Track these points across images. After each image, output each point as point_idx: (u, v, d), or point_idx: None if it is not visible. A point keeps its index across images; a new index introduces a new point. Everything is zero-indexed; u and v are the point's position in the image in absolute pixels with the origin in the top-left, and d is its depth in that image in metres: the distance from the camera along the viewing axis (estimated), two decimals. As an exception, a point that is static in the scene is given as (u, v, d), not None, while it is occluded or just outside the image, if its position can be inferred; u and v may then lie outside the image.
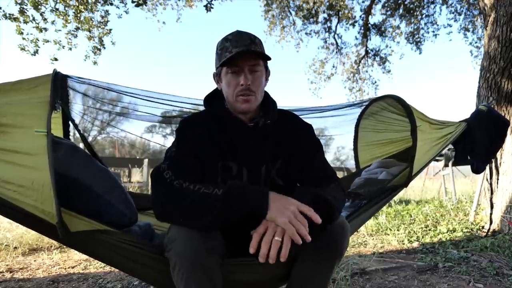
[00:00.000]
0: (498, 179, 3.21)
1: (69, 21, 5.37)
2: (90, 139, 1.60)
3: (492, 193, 2.57)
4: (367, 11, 8.11)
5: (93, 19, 5.57)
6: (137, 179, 7.39)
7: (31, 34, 5.16)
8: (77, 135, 1.62)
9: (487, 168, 3.15)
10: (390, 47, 8.74)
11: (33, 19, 5.06)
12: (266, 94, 1.16)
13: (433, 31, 8.07)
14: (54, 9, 5.14)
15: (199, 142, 1.06)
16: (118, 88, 1.58)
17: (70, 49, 5.65)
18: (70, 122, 1.56)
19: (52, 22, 5.32)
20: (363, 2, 7.98)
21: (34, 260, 2.56)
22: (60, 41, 5.52)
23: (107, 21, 5.65)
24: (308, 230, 0.85)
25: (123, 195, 1.29)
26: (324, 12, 8.22)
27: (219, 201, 0.86)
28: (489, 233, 2.98)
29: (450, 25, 7.98)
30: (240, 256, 1.03)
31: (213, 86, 1.18)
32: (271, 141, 1.12)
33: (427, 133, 1.78)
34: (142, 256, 1.06)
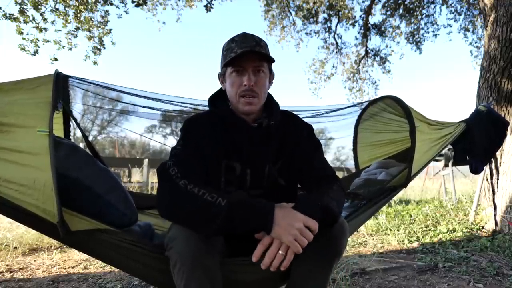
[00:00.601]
0: (498, 179, 3.21)
1: (69, 21, 5.38)
2: (90, 138, 1.61)
3: (494, 193, 2.56)
4: (367, 11, 8.12)
5: (93, 19, 5.58)
6: (137, 179, 7.39)
7: (31, 34, 5.18)
8: (77, 135, 1.62)
9: (487, 168, 3.16)
10: (390, 47, 8.77)
11: (33, 19, 5.07)
12: (270, 96, 1.18)
13: (433, 31, 8.10)
14: (54, 9, 5.14)
15: (204, 142, 1.07)
16: (118, 89, 1.58)
17: (70, 49, 5.66)
18: (70, 122, 1.56)
19: (52, 22, 5.34)
20: (363, 2, 8.00)
21: (34, 260, 2.57)
22: (60, 41, 5.53)
23: (107, 21, 5.66)
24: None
25: (123, 194, 1.29)
26: (324, 12, 8.23)
27: (222, 211, 0.86)
28: (494, 234, 2.97)
29: (450, 25, 8.01)
30: (240, 255, 1.03)
31: (213, 86, 1.19)
32: (274, 142, 1.13)
33: (426, 133, 1.79)
34: (143, 256, 1.06)
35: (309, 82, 9.45)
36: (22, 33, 5.09)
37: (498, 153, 3.25)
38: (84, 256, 2.58)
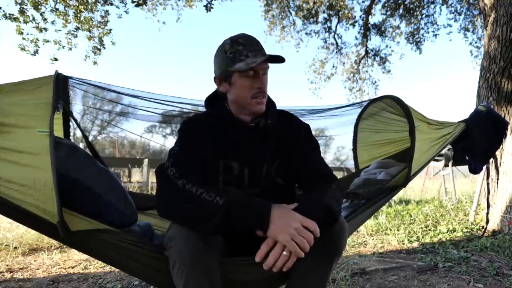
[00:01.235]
0: (498, 179, 3.21)
1: (69, 21, 5.38)
2: (90, 139, 1.61)
3: (489, 192, 2.56)
4: (367, 11, 8.12)
5: (93, 19, 5.58)
6: (137, 179, 7.40)
7: (31, 34, 5.18)
8: (77, 135, 1.63)
9: (486, 167, 3.15)
10: (390, 47, 8.77)
11: (33, 19, 5.07)
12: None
13: (433, 31, 8.10)
14: (54, 9, 5.14)
15: (201, 142, 1.07)
16: (118, 89, 1.58)
17: (70, 49, 5.66)
18: (70, 123, 1.57)
19: (52, 22, 5.34)
20: (363, 2, 8.00)
21: (34, 260, 2.57)
22: (60, 41, 5.53)
23: (107, 21, 5.66)
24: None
25: (123, 195, 1.29)
26: (324, 12, 8.23)
27: (219, 211, 0.86)
28: (485, 233, 2.98)
29: (450, 25, 8.01)
30: (239, 255, 1.03)
31: (213, 86, 1.18)
32: (271, 141, 1.14)
33: (426, 133, 1.79)
34: (143, 256, 1.06)
35: (309, 82, 9.44)
36: (22, 33, 5.09)
37: (498, 153, 3.25)
38: (84, 256, 2.58)
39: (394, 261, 2.39)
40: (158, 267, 1.04)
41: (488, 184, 2.56)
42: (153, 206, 1.64)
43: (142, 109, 1.68)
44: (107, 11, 5.56)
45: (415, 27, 8.13)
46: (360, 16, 8.37)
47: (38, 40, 5.23)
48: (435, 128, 1.88)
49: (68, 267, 2.40)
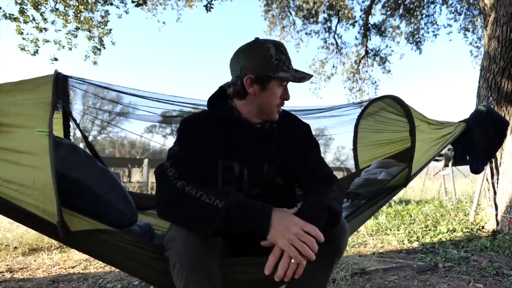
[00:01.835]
0: (498, 179, 3.21)
1: (69, 21, 5.38)
2: (90, 139, 1.61)
3: (495, 193, 2.56)
4: (367, 11, 8.12)
5: (93, 19, 5.57)
6: (137, 179, 7.39)
7: (31, 34, 5.17)
8: (77, 135, 1.62)
9: (488, 168, 3.15)
10: (390, 47, 8.75)
11: (33, 19, 5.06)
12: None
13: (433, 31, 8.09)
14: (54, 9, 5.14)
15: (201, 142, 1.06)
16: (118, 89, 1.58)
17: (70, 49, 5.65)
18: (70, 123, 1.56)
19: (52, 22, 5.33)
20: (363, 2, 8.00)
21: (34, 260, 2.57)
22: (60, 41, 5.52)
23: (107, 21, 5.65)
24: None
25: (123, 194, 1.29)
26: (324, 12, 8.23)
27: (219, 214, 0.85)
28: (495, 234, 2.97)
29: (450, 25, 8.00)
30: (240, 255, 1.03)
31: (213, 86, 1.18)
32: (273, 141, 1.14)
33: (426, 133, 1.78)
34: (143, 256, 1.06)
35: (309, 82, 9.45)
36: (22, 33, 5.08)
37: (498, 153, 3.24)
38: (84, 256, 2.58)
39: (394, 261, 2.39)
40: (158, 268, 1.04)
41: (493, 184, 2.55)
42: (153, 206, 1.64)
43: (142, 109, 1.68)
44: (107, 11, 5.56)
45: (415, 27, 8.12)
46: (360, 16, 8.37)
47: (38, 40, 5.22)
48: (435, 128, 1.87)
49: (68, 267, 2.39)
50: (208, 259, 0.90)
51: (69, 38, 5.59)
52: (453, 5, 7.74)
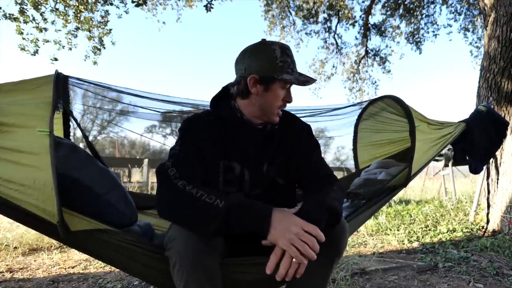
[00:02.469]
0: (498, 179, 3.21)
1: (69, 21, 5.38)
2: (90, 138, 1.61)
3: (489, 192, 2.56)
4: (367, 11, 8.12)
5: (93, 19, 5.58)
6: (137, 179, 7.39)
7: (31, 34, 5.17)
8: (77, 135, 1.63)
9: (486, 167, 3.14)
10: (390, 47, 8.76)
11: (33, 19, 5.06)
12: None
13: (433, 31, 8.09)
14: (54, 9, 5.14)
15: (202, 142, 1.06)
16: (118, 89, 1.58)
17: (70, 49, 5.65)
18: (70, 123, 1.56)
19: (52, 22, 5.33)
20: (363, 2, 8.00)
21: (34, 260, 2.57)
22: (60, 41, 5.53)
23: (107, 21, 5.66)
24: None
25: (123, 194, 1.29)
26: (324, 12, 8.23)
27: (220, 213, 0.85)
28: (486, 233, 2.98)
29: (450, 25, 8.01)
30: (240, 255, 1.03)
31: (213, 86, 1.20)
32: (274, 142, 1.14)
33: (426, 133, 1.79)
34: (143, 256, 1.06)
35: (309, 82, 9.43)
36: (22, 33, 5.08)
37: (498, 153, 3.25)
38: (84, 256, 2.58)
39: (394, 261, 2.39)
40: (158, 268, 1.04)
41: (488, 184, 2.56)
42: (153, 206, 1.64)
43: (142, 109, 1.68)
44: (107, 11, 5.56)
45: (415, 27, 8.13)
46: (360, 16, 8.38)
47: (38, 40, 5.22)
48: (435, 128, 1.88)
49: (68, 267, 2.39)
50: (208, 259, 0.90)
51: (69, 38, 5.59)
52: (453, 5, 7.76)
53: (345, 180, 2.19)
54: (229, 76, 1.17)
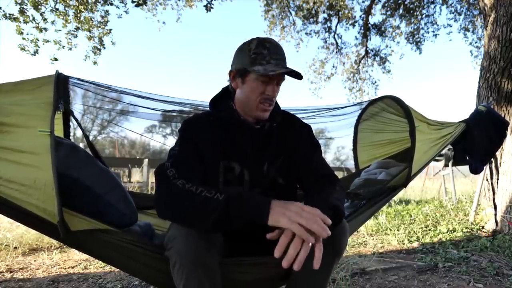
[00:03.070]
0: (498, 179, 3.21)
1: (69, 21, 5.38)
2: (90, 138, 1.61)
3: (494, 193, 2.56)
4: (367, 11, 8.12)
5: (93, 19, 5.58)
6: (137, 179, 7.39)
7: (31, 34, 5.17)
8: (77, 135, 1.63)
9: (487, 168, 3.15)
10: (390, 47, 8.76)
11: (33, 19, 5.06)
12: None
13: (433, 31, 8.09)
14: (54, 9, 5.14)
15: (202, 142, 1.07)
16: (118, 89, 1.58)
17: (70, 49, 5.65)
18: (70, 123, 1.57)
19: (52, 22, 5.33)
20: (363, 2, 8.00)
21: (34, 260, 2.57)
22: (60, 41, 5.53)
23: (107, 21, 5.66)
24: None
25: (123, 194, 1.29)
26: (324, 12, 8.23)
27: (220, 206, 0.85)
28: (494, 234, 2.97)
29: (450, 25, 8.01)
30: (240, 255, 1.03)
31: (213, 86, 1.20)
32: (274, 142, 1.14)
33: (426, 133, 1.79)
34: (143, 256, 1.06)
35: (309, 82, 9.45)
36: (22, 33, 5.08)
37: (498, 153, 3.25)
38: (84, 256, 2.58)
39: (394, 261, 2.39)
40: (158, 268, 1.04)
41: (492, 184, 2.56)
42: (153, 206, 1.64)
43: (142, 109, 1.68)
44: (107, 11, 5.56)
45: (415, 27, 8.13)
46: (360, 16, 8.37)
47: (38, 40, 5.22)
48: (435, 128, 1.88)
49: (68, 267, 2.39)
50: (208, 258, 0.90)
51: (69, 38, 5.59)
52: (453, 5, 7.75)
53: (345, 180, 2.19)
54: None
